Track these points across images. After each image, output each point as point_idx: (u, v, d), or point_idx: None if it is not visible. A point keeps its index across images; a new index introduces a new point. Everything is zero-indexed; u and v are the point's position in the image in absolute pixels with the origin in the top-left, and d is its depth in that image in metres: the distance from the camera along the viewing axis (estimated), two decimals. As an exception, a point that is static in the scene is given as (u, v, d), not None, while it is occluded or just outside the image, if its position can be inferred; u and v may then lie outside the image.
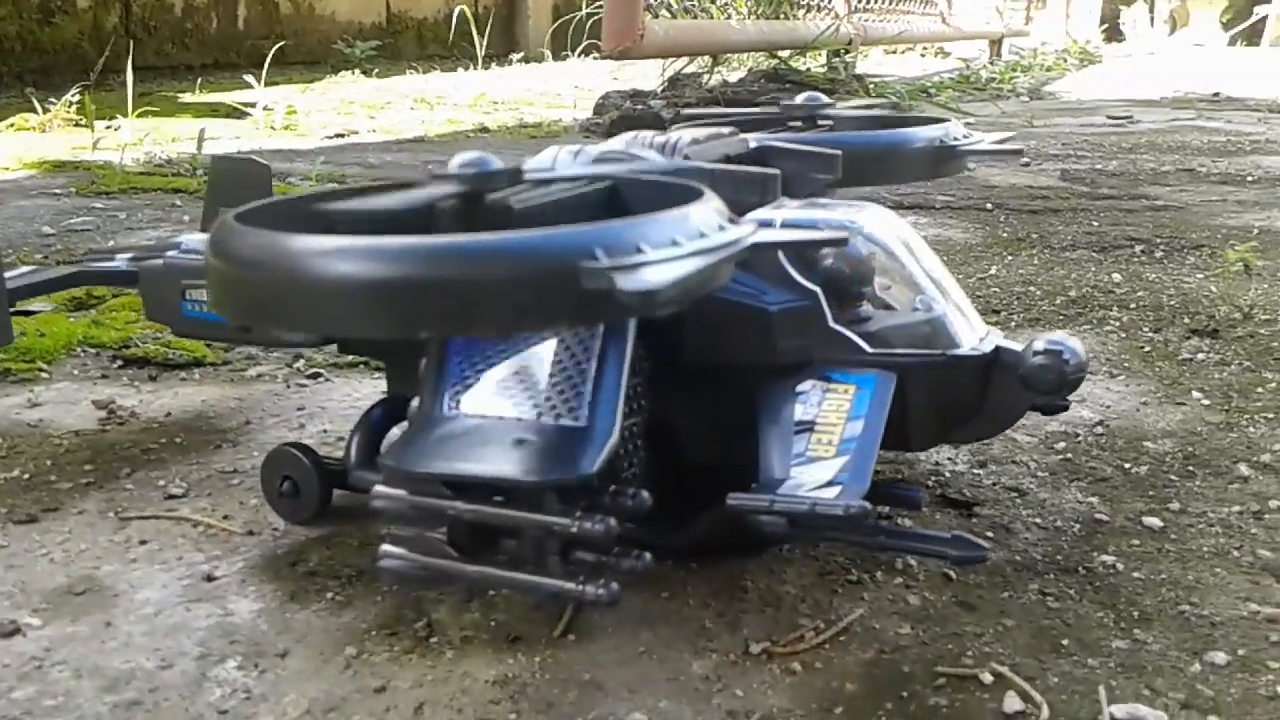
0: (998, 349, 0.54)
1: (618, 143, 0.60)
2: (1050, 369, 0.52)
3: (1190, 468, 0.73)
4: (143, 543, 0.62)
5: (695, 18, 2.92)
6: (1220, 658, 0.52)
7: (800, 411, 0.52)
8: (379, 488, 0.48)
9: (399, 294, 0.37)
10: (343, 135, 2.66)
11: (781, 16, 3.28)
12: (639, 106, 2.73)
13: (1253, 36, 9.95)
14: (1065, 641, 0.53)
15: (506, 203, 0.46)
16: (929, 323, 0.54)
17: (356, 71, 4.13)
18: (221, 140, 2.39)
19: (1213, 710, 0.48)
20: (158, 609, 0.56)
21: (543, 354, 0.49)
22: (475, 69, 4.39)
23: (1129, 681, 0.50)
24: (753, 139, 0.64)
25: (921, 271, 0.56)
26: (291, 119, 2.82)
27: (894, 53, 5.54)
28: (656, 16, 2.61)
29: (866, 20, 3.75)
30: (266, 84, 3.04)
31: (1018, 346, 0.54)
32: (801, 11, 3.41)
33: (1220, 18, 9.82)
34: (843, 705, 0.48)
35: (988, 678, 0.50)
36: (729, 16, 3.05)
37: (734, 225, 0.42)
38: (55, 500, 0.67)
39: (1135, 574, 0.59)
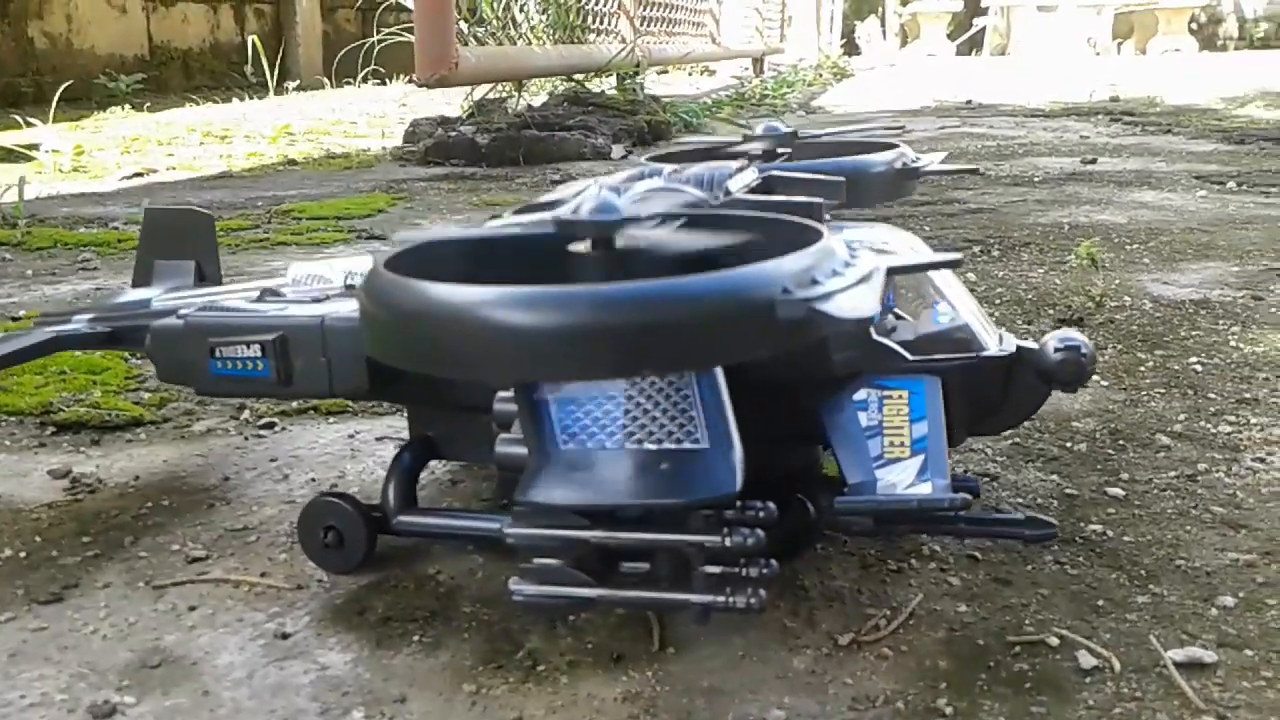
0: (1019, 348, 0.60)
1: (648, 180, 0.63)
2: (1071, 363, 0.59)
3: (1120, 442, 0.83)
4: (191, 609, 0.61)
5: (500, 44, 2.94)
6: (1229, 601, 0.60)
7: (864, 419, 0.57)
8: (511, 527, 0.50)
9: (622, 337, 0.39)
10: (142, 174, 2.54)
11: (575, 40, 3.34)
12: (452, 133, 2.73)
13: (973, 47, 10.79)
14: (1100, 602, 0.60)
15: (637, 245, 0.48)
16: (960, 329, 0.60)
17: (126, 106, 3.94)
18: (11, 188, 2.24)
19: (1245, 645, 0.56)
20: (248, 671, 0.55)
21: (629, 384, 0.52)
22: (252, 99, 4.26)
23: (1166, 630, 0.57)
24: (753, 169, 0.69)
25: (941, 282, 0.62)
26: (80, 159, 2.68)
27: (664, 73, 5.71)
28: (467, 44, 2.62)
29: (651, 43, 3.86)
30: (29, 122, 2.87)
31: (1034, 345, 0.61)
32: (592, 35, 3.49)
33: (946, 30, 10.58)
34: (945, 680, 0.53)
35: (1054, 641, 0.56)
36: (530, 43, 3.08)
37: (861, 255, 0.46)
38: (70, 576, 0.64)
39: (1125, 538, 0.67)
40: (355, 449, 0.84)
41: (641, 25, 3.89)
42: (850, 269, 0.44)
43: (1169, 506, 0.71)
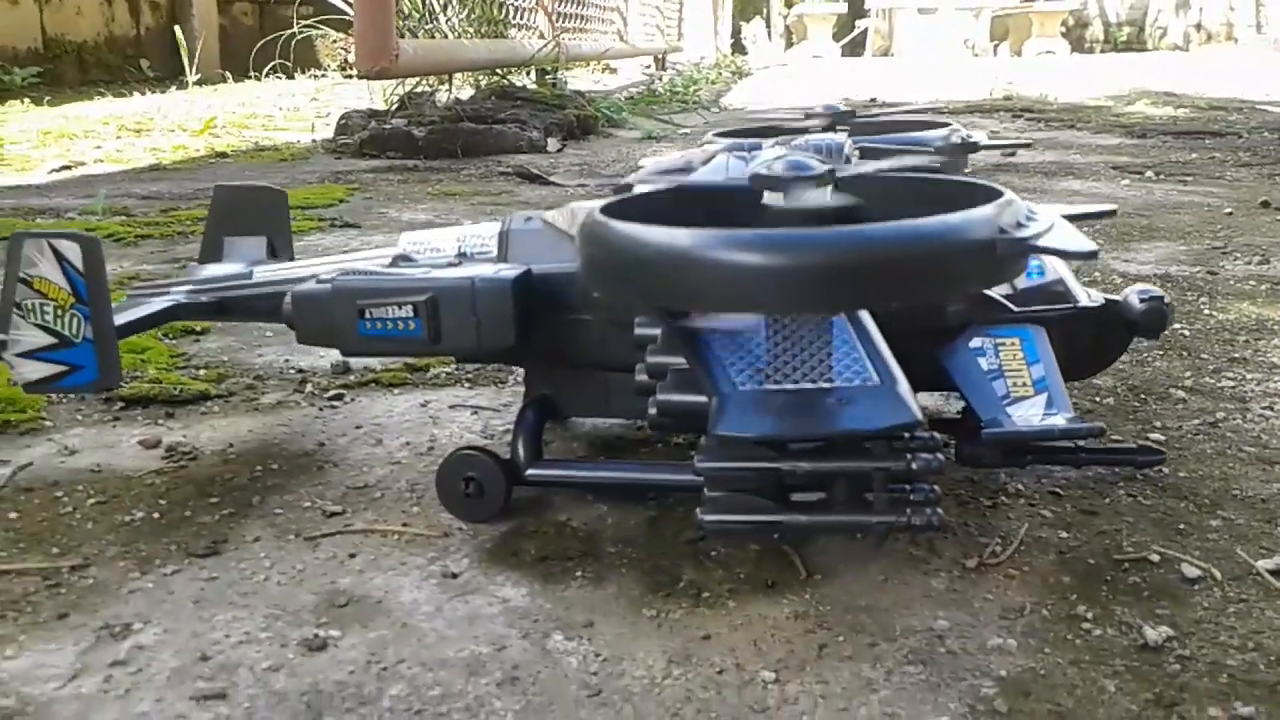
0: (1107, 300, 0.67)
1: (775, 149, 0.68)
2: (1156, 312, 0.66)
3: (1141, 396, 0.91)
4: (351, 556, 0.64)
5: (432, 37, 2.95)
6: (1290, 522, 0.67)
7: (984, 363, 0.63)
8: (701, 460, 0.55)
9: (874, 272, 0.44)
10: (70, 167, 2.48)
11: (497, 35, 3.36)
12: (386, 126, 2.73)
13: (856, 47, 11.09)
14: (1180, 526, 0.67)
15: (820, 201, 0.53)
16: (1056, 283, 0.67)
17: (26, 100, 3.81)
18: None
19: (1316, 556, 0.63)
20: (436, 606, 0.58)
21: (784, 330, 0.57)
22: (154, 93, 4.17)
23: (1246, 546, 0.64)
24: (850, 141, 0.74)
25: (1032, 243, 0.68)
26: (1, 152, 2.60)
27: (568, 69, 5.76)
28: (403, 37, 2.63)
29: (568, 39, 3.90)
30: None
31: (1118, 298, 0.67)
32: (513, 30, 3.51)
33: (831, 31, 10.84)
34: (1074, 593, 0.59)
35: (1155, 557, 0.63)
36: (457, 37, 3.09)
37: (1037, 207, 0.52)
38: (215, 533, 0.67)
39: (1180, 474, 0.75)
40: (434, 416, 0.87)
41: (558, 21, 3.93)
42: (1038, 216, 0.49)
43: (1206, 448, 0.79)
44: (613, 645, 0.55)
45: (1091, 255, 0.47)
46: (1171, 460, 0.77)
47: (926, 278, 0.46)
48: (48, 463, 0.77)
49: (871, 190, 0.55)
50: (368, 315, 0.65)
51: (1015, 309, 0.65)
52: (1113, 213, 0.62)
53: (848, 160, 0.68)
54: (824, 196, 0.53)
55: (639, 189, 0.63)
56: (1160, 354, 1.01)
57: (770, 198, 0.54)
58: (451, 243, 0.73)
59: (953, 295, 0.53)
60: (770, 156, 0.62)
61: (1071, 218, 0.58)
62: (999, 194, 0.50)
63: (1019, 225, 0.47)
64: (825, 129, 0.87)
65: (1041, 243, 0.46)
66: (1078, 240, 0.47)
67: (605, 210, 0.52)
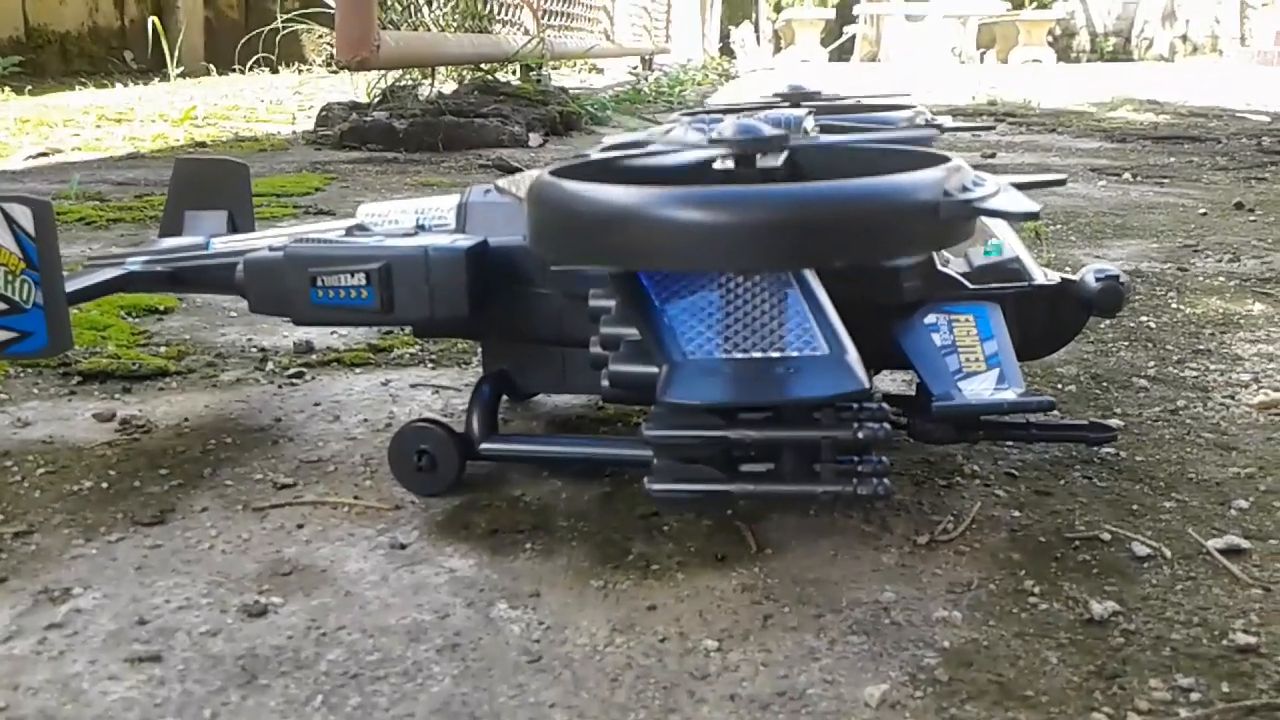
0: (1063, 279, 0.67)
1: (734, 117, 0.68)
2: (1112, 292, 0.66)
3: (1103, 384, 0.91)
4: (299, 526, 0.63)
5: (415, 29, 2.94)
6: (1243, 504, 0.67)
7: (938, 339, 0.63)
8: (649, 429, 0.54)
9: (825, 229, 0.44)
10: (47, 154, 2.47)
11: (482, 30, 3.35)
12: (367, 118, 2.72)
13: (844, 53, 11.13)
14: (1134, 507, 0.67)
15: (771, 164, 0.53)
16: (1012, 261, 0.66)
17: (6, 89, 3.79)
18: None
19: (1268, 536, 0.63)
20: (381, 575, 0.58)
21: (736, 300, 0.57)
22: (137, 85, 4.15)
23: (1198, 527, 0.64)
24: (812, 118, 0.74)
25: (990, 221, 0.68)
26: (-23, 139, 2.58)
27: (556, 68, 5.75)
28: (385, 29, 2.62)
29: (553, 36, 3.90)
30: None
31: (1075, 277, 0.67)
32: (497, 26, 3.51)
33: (819, 37, 10.87)
34: (1023, 569, 0.59)
35: (1106, 536, 0.63)
36: (442, 30, 3.09)
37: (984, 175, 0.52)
38: (163, 502, 0.66)
39: (1137, 458, 0.74)
40: (394, 395, 0.86)
41: (543, 18, 3.92)
42: (986, 182, 0.49)
43: (1165, 434, 0.79)
44: (557, 614, 0.54)
45: (1033, 216, 0.47)
46: (1129, 445, 0.77)
47: (869, 237, 0.45)
48: (0, 434, 0.76)
49: (823, 157, 0.55)
50: (320, 283, 0.64)
51: (971, 286, 0.65)
52: (1062, 181, 0.63)
53: (805, 133, 0.68)
54: (775, 161, 0.53)
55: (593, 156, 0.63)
56: (1125, 345, 1.02)
57: (721, 162, 0.53)
58: (410, 215, 0.73)
59: (897, 255, 0.53)
60: (726, 124, 0.62)
61: (1021, 186, 0.58)
62: (946, 159, 0.50)
63: (964, 189, 0.47)
64: (791, 108, 0.86)
65: (985, 205, 0.46)
66: (1020, 202, 0.47)
67: (554, 172, 0.51)
